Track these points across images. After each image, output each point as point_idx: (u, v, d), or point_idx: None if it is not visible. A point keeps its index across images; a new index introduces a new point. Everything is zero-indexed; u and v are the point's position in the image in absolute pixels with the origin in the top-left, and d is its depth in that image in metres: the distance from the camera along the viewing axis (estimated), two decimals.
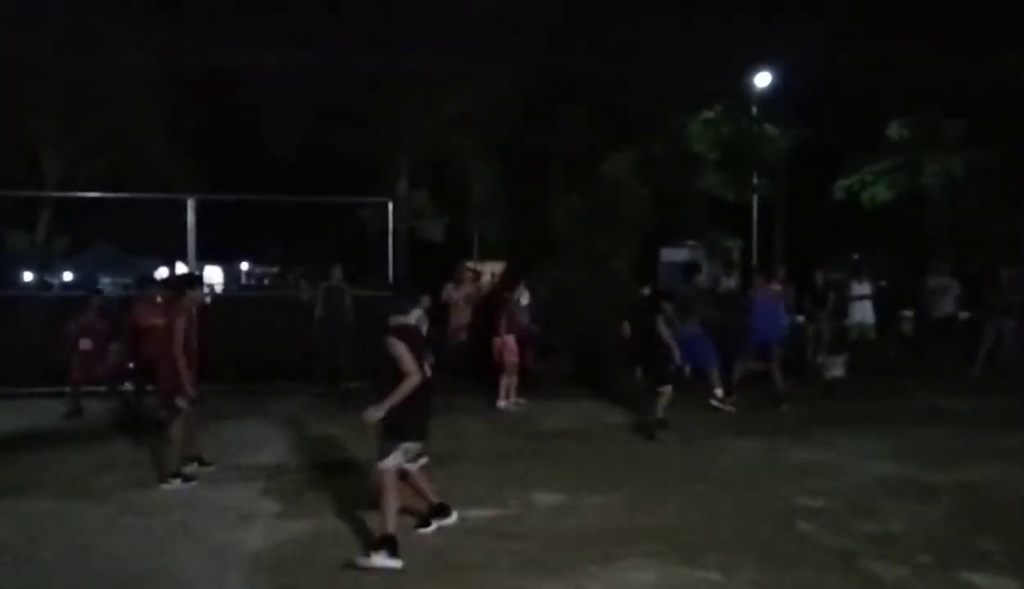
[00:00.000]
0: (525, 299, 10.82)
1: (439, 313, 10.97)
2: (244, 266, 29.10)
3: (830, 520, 5.77)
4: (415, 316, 5.56)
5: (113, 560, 5.02)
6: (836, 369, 11.99)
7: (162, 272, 25.17)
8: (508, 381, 10.19)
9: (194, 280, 7.71)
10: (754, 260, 17.83)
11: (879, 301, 13.21)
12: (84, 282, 22.73)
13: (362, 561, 4.86)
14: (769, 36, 17.42)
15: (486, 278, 13.92)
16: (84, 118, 15.92)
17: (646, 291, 9.65)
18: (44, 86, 15.30)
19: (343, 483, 6.77)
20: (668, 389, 8.58)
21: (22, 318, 11.80)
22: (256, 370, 11.21)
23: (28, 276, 19.30)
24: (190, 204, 11.54)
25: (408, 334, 5.26)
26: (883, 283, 14.79)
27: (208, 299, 13.19)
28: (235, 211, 14.64)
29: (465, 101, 15.46)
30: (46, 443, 8.27)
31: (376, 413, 5.04)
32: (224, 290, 23.05)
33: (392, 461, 5.09)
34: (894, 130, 15.84)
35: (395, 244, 12.05)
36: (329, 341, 11.31)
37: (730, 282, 14.51)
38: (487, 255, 15.79)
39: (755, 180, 17.53)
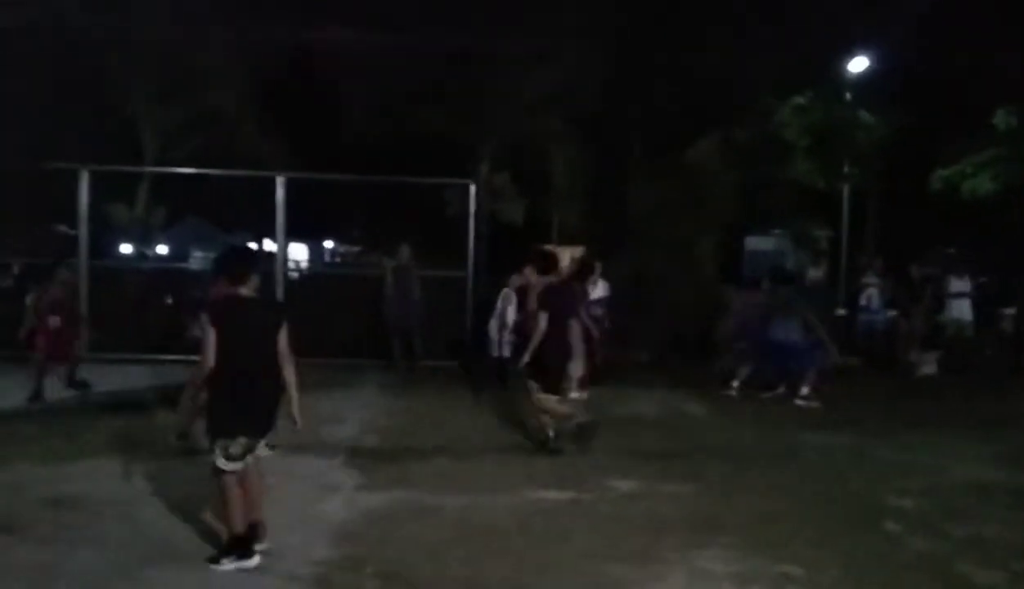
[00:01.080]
0: (599, 290, 10.51)
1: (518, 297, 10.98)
2: (328, 244, 29.75)
3: (920, 521, 5.56)
4: (251, 286, 4.61)
5: (191, 524, 5.19)
6: (928, 366, 11.55)
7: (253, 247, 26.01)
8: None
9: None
10: (844, 251, 17.28)
11: (979, 298, 12.62)
12: (177, 254, 23.64)
13: (214, 568, 4.43)
14: (864, 18, 16.72)
15: (564, 263, 13.85)
16: (180, 97, 16.51)
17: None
18: (143, 66, 15.94)
19: (419, 458, 6.89)
20: None
21: (121, 288, 12.35)
22: (337, 346, 11.47)
23: (126, 248, 20.16)
24: (279, 182, 11.87)
25: (225, 309, 4.52)
26: (983, 279, 14.11)
27: (296, 275, 13.64)
28: (320, 190, 14.97)
29: (547, 83, 15.39)
30: (144, 407, 8.67)
31: (182, 410, 4.64)
32: (308, 267, 23.68)
33: (218, 462, 4.46)
34: (1001, 118, 15.01)
35: (476, 226, 12.10)
36: (399, 319, 11.47)
37: (817, 273, 14.08)
38: (567, 239, 15.72)
39: (847, 168, 16.91)
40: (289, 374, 4.58)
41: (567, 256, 14.71)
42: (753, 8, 16.49)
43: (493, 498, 5.82)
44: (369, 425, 8.11)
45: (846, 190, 17.86)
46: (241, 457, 4.45)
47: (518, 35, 14.81)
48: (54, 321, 8.79)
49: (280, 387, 4.57)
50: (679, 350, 12.42)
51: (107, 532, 5.00)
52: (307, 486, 6.03)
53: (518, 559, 4.76)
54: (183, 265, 19.44)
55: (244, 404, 4.45)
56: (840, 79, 17.09)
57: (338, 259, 27.21)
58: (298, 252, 23.51)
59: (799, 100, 16.15)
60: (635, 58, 15.98)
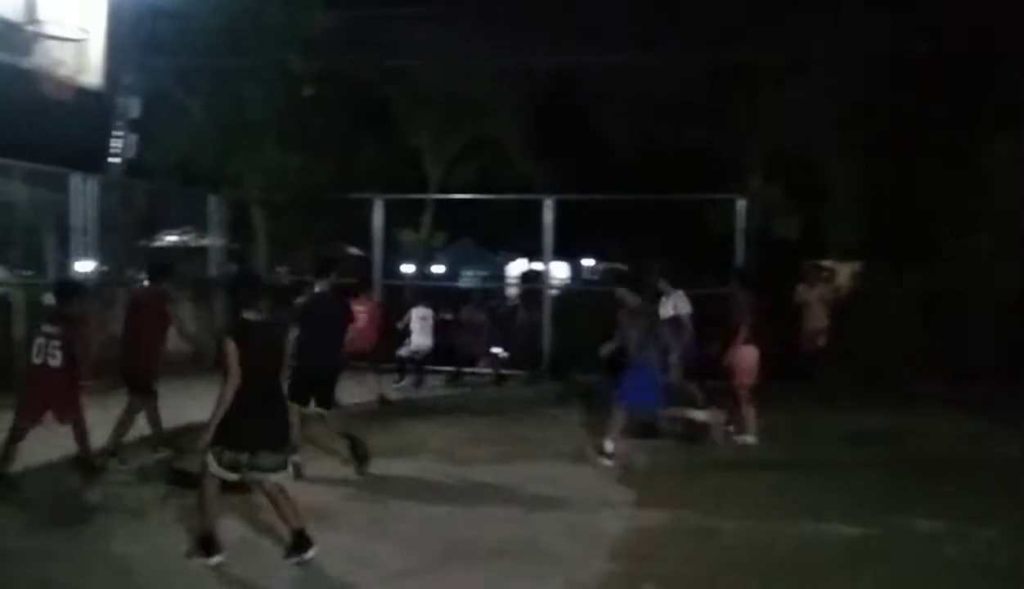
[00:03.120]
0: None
1: (793, 315, 10.46)
2: (587, 262, 30.34)
3: None
4: (260, 311, 4.84)
5: (478, 526, 5.52)
6: None
7: (517, 266, 27.29)
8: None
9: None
10: None
11: None
12: (449, 275, 25.34)
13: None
14: None
15: (842, 279, 12.98)
16: (456, 129, 17.81)
17: None
18: (425, 101, 17.42)
19: (693, 478, 6.78)
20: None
21: (404, 304, 13.47)
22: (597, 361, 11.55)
23: (408, 268, 21.94)
24: (547, 204, 12.34)
25: (246, 332, 4.73)
26: None
27: (556, 291, 14.08)
28: (581, 209, 15.34)
29: (821, 89, 14.50)
30: (424, 414, 9.39)
31: (210, 426, 4.60)
32: (570, 285, 24.33)
33: (209, 465, 4.63)
34: None
35: (745, 241, 11.69)
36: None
37: None
38: (845, 254, 14.67)
39: None
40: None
41: (846, 272, 13.79)
42: None
43: (773, 525, 5.56)
44: (638, 442, 8.09)
45: None
46: (229, 467, 4.60)
47: (786, 42, 14.13)
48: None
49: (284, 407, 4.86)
50: (978, 377, 11.05)
51: (406, 528, 5.46)
52: (583, 499, 6.16)
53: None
54: (454, 284, 20.89)
55: (249, 419, 4.60)
56: None
57: (596, 277, 27.65)
58: (560, 270, 24.21)
59: None
60: (919, 54, 14.59)
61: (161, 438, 7.08)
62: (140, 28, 11.58)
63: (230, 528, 5.08)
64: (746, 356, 7.88)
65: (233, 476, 4.65)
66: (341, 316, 6.88)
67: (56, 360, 6.10)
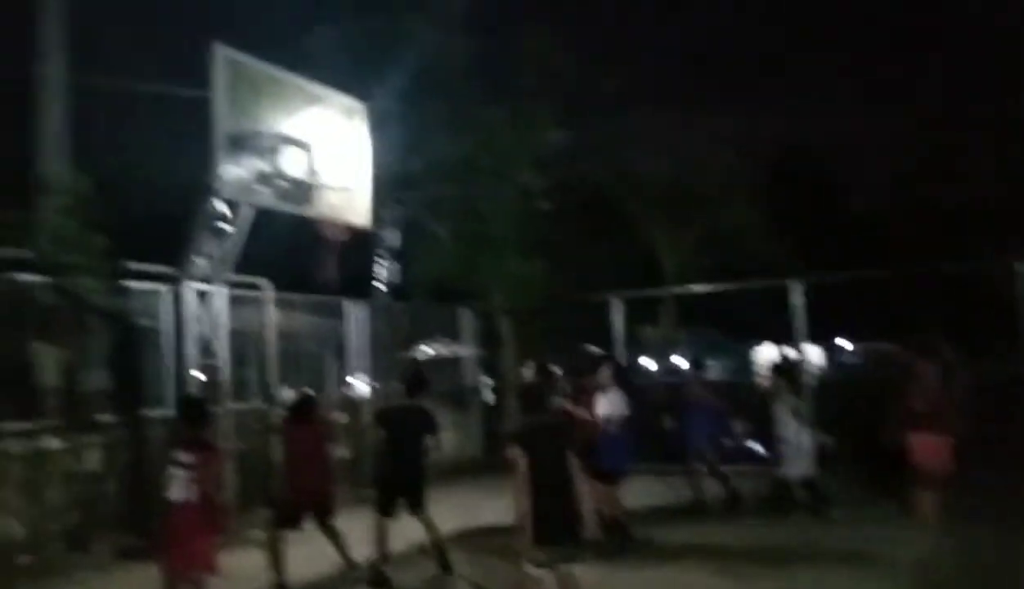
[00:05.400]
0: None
1: None
2: (845, 344, 28.23)
3: None
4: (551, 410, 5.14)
5: None
6: None
7: (765, 353, 26.00)
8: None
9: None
10: None
11: None
12: (692, 365, 24.67)
13: None
14: None
15: None
16: (690, 220, 17.74)
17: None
18: (656, 198, 17.59)
19: None
20: None
21: (648, 401, 13.22)
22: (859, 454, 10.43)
23: (648, 362, 21.71)
24: (796, 289, 11.73)
25: (531, 435, 5.01)
26: None
27: (815, 381, 13.06)
28: (831, 287, 14.37)
29: None
30: (688, 517, 8.96)
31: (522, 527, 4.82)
32: (828, 370, 22.66)
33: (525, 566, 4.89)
34: None
35: None
36: None
37: None
38: None
39: None
40: (580, 489, 4.96)
41: None
42: None
43: None
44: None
45: None
46: (544, 565, 4.87)
47: None
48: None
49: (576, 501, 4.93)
50: None
51: None
52: None
53: None
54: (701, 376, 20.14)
55: (546, 516, 4.84)
56: None
57: (856, 360, 25.55)
58: (813, 355, 22.72)
59: None
60: None
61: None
62: (394, 167, 12.89)
63: None
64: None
65: (540, 572, 4.91)
66: (421, 423, 7.18)
67: (193, 494, 5.22)
